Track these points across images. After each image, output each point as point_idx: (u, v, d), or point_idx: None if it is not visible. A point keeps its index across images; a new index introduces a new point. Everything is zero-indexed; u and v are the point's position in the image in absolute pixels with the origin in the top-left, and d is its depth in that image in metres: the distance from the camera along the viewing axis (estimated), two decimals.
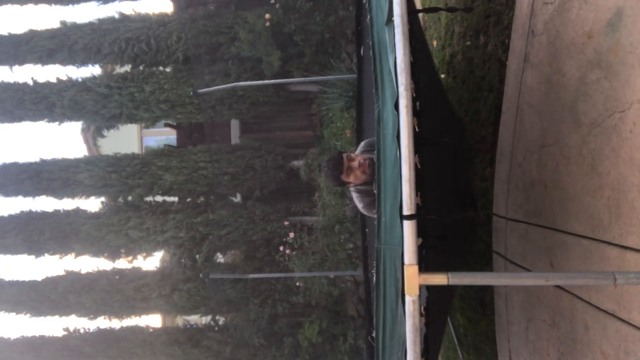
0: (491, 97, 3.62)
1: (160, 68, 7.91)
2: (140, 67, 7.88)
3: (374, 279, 2.08)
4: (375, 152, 3.24)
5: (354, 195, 3.08)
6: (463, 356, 3.99)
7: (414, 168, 1.62)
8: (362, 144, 3.16)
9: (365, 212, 3.13)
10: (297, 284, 7.30)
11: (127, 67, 8.08)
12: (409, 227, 1.49)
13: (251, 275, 6.01)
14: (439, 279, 1.48)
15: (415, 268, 1.46)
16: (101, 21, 7.81)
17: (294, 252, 7.15)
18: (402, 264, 1.49)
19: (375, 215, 3.17)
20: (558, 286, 2.50)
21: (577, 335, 2.33)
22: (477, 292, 3.84)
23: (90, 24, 7.82)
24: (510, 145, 3.21)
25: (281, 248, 7.29)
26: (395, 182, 1.82)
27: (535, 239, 2.82)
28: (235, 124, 9.08)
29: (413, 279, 1.45)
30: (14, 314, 8.11)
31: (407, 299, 1.47)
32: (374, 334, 2.13)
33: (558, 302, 2.51)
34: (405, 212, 1.52)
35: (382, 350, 2.05)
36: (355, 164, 2.81)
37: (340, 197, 6.73)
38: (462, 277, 1.51)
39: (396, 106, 1.69)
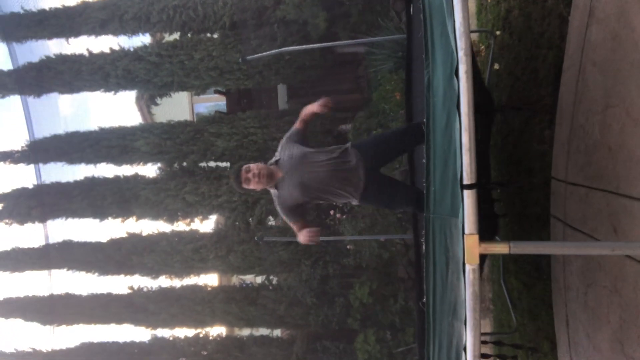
0: (551, 54, 3.45)
1: (208, 35, 7.97)
2: (189, 35, 7.97)
3: (424, 247, 2.11)
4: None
5: (273, 196, 3.54)
6: (517, 320, 3.98)
7: (474, 136, 1.60)
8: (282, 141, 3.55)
9: (281, 213, 3.51)
10: (348, 246, 7.41)
11: (176, 35, 8.20)
12: (469, 197, 1.49)
13: None
14: (500, 248, 1.48)
15: (476, 237, 1.46)
16: None
17: (344, 216, 7.23)
18: (463, 232, 1.50)
19: (285, 217, 3.43)
20: None
21: None
22: (532, 256, 3.79)
23: None
24: (571, 106, 3.08)
25: (331, 212, 7.39)
26: (445, 150, 1.82)
27: (596, 203, 2.73)
28: (282, 89, 9.10)
29: (473, 248, 1.45)
30: (83, 272, 8.73)
31: (467, 267, 1.48)
32: (424, 300, 2.18)
33: (621, 269, 2.44)
34: (466, 181, 1.51)
35: (433, 316, 2.10)
36: (250, 175, 3.30)
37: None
38: (524, 247, 1.51)
39: (456, 72, 1.66)
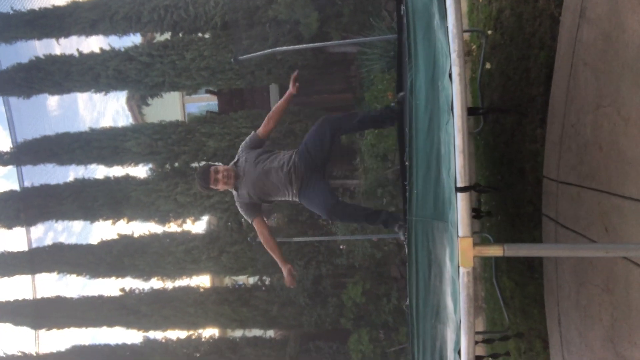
0: (542, 54, 3.46)
1: (199, 35, 7.93)
2: (180, 35, 7.92)
3: (406, 250, 2.11)
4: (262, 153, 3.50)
5: (234, 197, 3.69)
6: (509, 319, 4.00)
7: (467, 139, 1.59)
8: (242, 145, 3.69)
9: (242, 212, 3.69)
10: (341, 246, 7.41)
11: (167, 35, 8.14)
12: (463, 200, 1.49)
13: (296, 239, 6.15)
14: (494, 250, 1.48)
15: (470, 240, 1.46)
16: None
17: None
18: (457, 235, 1.49)
19: (246, 216, 3.58)
20: None
21: (633, 302, 2.28)
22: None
23: None
24: (562, 106, 3.09)
25: None
26: (428, 153, 1.81)
27: (588, 202, 2.74)
28: (274, 89, 9.07)
29: (468, 251, 1.45)
30: (74, 275, 8.64)
31: (462, 270, 1.48)
32: (408, 303, 2.18)
33: (612, 267, 2.46)
34: (460, 184, 1.50)
35: (417, 318, 2.10)
36: (219, 175, 3.43)
37: (382, 160, 6.69)
38: (518, 249, 1.51)
39: (449, 74, 1.65)
